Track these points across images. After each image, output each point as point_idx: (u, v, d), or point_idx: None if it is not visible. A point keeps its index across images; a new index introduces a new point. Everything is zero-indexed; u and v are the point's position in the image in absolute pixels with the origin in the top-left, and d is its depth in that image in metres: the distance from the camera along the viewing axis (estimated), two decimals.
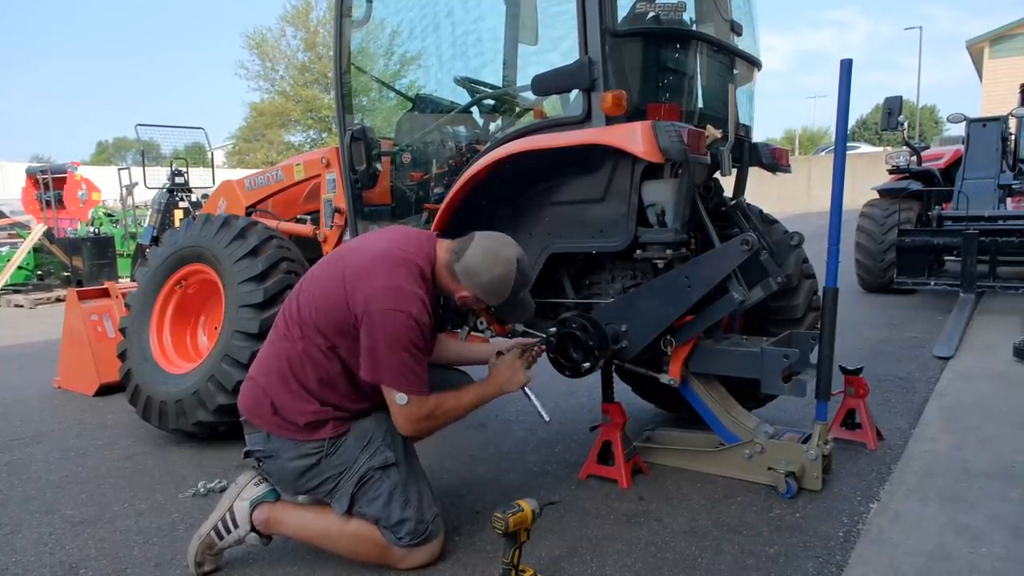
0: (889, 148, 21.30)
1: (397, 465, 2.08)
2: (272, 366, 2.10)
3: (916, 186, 7.24)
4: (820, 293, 2.71)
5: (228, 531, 2.10)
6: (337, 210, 3.44)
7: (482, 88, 3.39)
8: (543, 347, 2.49)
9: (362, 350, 2.00)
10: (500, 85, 3.43)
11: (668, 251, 2.50)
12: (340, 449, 2.07)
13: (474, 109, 3.40)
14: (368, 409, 2.14)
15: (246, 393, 2.15)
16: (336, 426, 2.08)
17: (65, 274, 10.44)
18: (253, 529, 2.11)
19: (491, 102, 3.48)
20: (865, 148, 27.66)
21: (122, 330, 3.64)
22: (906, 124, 6.77)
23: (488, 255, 2.08)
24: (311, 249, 3.55)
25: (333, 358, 2.05)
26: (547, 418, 2.37)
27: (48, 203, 11.73)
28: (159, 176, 10.39)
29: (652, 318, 2.53)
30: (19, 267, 10.49)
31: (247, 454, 2.17)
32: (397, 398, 2.00)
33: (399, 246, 2.10)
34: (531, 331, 2.90)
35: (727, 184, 3.07)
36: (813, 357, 2.64)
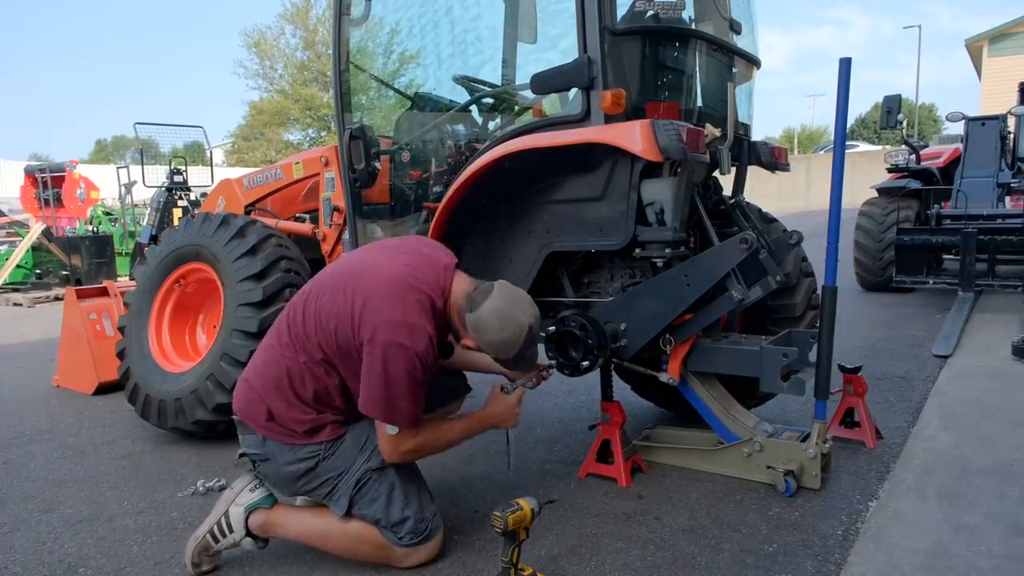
0: (888, 146, 21.32)
1: (394, 466, 2.08)
2: (269, 373, 2.07)
3: (915, 185, 7.24)
4: (819, 292, 2.71)
5: (224, 535, 2.09)
6: (336, 209, 3.43)
7: (481, 87, 3.39)
8: (550, 372, 2.48)
9: (362, 377, 1.97)
10: (499, 83, 3.43)
11: (667, 250, 2.50)
12: (337, 452, 2.06)
13: (473, 108, 3.40)
14: (361, 417, 2.11)
15: (241, 394, 2.13)
16: (333, 430, 2.07)
17: (64, 273, 10.42)
18: (249, 534, 2.10)
19: (490, 101, 3.47)
20: (864, 147, 27.67)
21: (121, 329, 3.64)
22: (905, 122, 6.78)
23: (501, 318, 1.99)
24: (310, 248, 3.55)
25: (332, 373, 2.03)
26: (511, 469, 2.53)
27: (47, 201, 11.72)
28: (158, 175, 10.37)
29: (651, 317, 2.53)
30: (18, 266, 10.49)
31: (242, 456, 2.16)
32: (387, 428, 1.98)
33: (414, 274, 2.02)
34: None
35: (726, 183, 3.07)
36: (812, 356, 2.65)
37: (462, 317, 2.04)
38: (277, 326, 2.15)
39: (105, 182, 14.52)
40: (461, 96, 3.37)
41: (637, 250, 2.56)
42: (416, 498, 2.07)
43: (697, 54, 2.70)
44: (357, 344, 1.95)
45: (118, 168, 11.50)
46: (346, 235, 3.41)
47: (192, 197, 9.67)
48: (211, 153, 13.40)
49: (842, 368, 3.03)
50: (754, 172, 3.14)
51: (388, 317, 1.92)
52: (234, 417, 2.15)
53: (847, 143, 2.63)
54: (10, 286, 10.43)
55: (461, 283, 2.08)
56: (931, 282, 6.19)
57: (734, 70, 2.90)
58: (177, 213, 9.33)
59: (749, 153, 3.02)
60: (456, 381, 2.47)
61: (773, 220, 3.13)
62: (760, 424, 2.72)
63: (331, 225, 3.47)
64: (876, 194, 7.30)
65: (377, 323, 1.92)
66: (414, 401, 1.97)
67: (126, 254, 10.90)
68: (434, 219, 2.84)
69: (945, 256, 6.72)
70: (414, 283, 2.00)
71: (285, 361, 2.05)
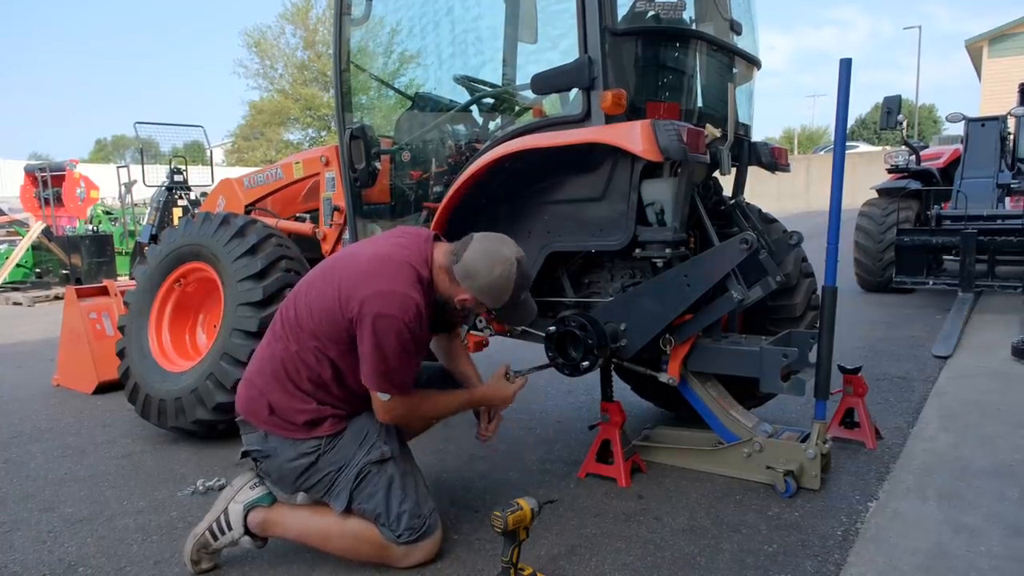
0: (888, 147, 21.33)
1: (394, 459, 2.09)
2: (267, 368, 2.11)
3: (915, 185, 7.25)
4: (819, 292, 2.71)
5: (222, 532, 2.10)
6: (336, 208, 3.44)
7: (481, 87, 3.39)
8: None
9: (359, 352, 2.00)
10: (499, 84, 3.43)
11: (667, 250, 2.50)
12: (337, 446, 2.07)
13: (473, 108, 3.40)
14: (362, 408, 2.15)
15: (242, 393, 2.16)
16: (334, 423, 2.09)
17: (64, 272, 10.42)
18: (248, 532, 2.10)
19: (490, 101, 3.47)
20: (864, 147, 27.68)
21: (121, 328, 3.64)
22: (905, 123, 6.78)
23: (487, 255, 2.04)
24: (310, 247, 3.55)
25: (324, 362, 2.05)
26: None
27: (47, 201, 11.72)
28: (158, 174, 10.39)
29: (651, 317, 2.53)
30: (18, 265, 10.48)
31: (244, 454, 2.16)
32: (380, 395, 2.03)
33: (396, 248, 2.08)
34: (532, 330, 2.90)
35: (726, 183, 3.07)
36: (812, 356, 2.65)
37: (450, 273, 2.08)
38: (272, 325, 2.20)
39: (105, 181, 14.53)
40: (461, 96, 3.37)
41: (637, 250, 2.56)
42: (414, 493, 2.08)
43: (697, 54, 2.70)
44: (346, 321, 1.98)
45: (118, 167, 11.50)
46: (346, 235, 3.41)
47: (192, 196, 9.68)
48: (211, 153, 13.41)
49: (842, 368, 3.03)
50: (754, 172, 3.14)
51: (374, 289, 1.96)
52: (237, 418, 2.17)
53: (847, 144, 2.63)
54: (10, 285, 10.42)
55: (442, 248, 2.14)
56: (931, 283, 6.20)
57: (734, 70, 2.90)
58: (177, 213, 9.33)
59: (749, 153, 3.02)
60: (440, 369, 2.49)
61: (773, 220, 3.13)
62: (760, 424, 2.72)
63: (331, 225, 3.47)
64: (876, 195, 7.31)
65: (364, 296, 1.95)
66: (406, 370, 2.03)
67: (126, 253, 10.90)
68: (434, 219, 2.85)
69: (945, 257, 6.73)
70: (397, 256, 2.05)
71: (279, 353, 2.09)
